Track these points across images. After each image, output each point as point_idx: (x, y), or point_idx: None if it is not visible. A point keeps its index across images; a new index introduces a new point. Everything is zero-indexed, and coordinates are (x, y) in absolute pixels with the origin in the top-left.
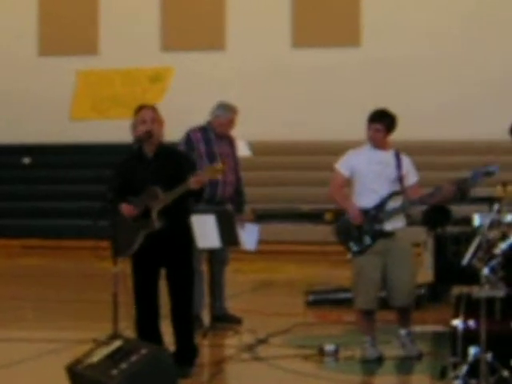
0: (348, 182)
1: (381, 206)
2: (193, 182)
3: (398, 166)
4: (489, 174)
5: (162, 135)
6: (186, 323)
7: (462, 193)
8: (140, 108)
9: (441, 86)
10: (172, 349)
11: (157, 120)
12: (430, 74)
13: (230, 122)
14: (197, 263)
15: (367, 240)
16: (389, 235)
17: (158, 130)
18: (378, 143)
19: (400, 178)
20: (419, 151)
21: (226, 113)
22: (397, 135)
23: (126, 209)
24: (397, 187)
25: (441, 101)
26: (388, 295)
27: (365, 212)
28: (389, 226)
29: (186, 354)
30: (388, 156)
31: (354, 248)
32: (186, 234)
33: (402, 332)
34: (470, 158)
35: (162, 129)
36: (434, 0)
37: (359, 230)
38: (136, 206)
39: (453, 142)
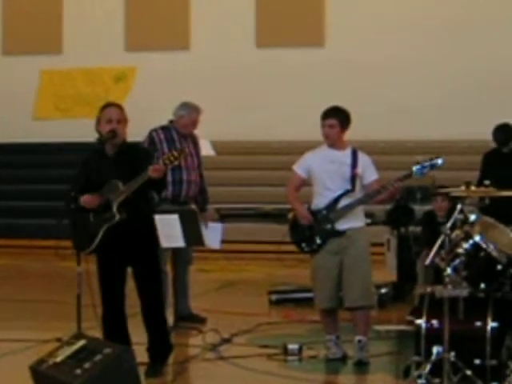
0: (305, 183)
1: (331, 205)
2: (151, 170)
3: (353, 164)
4: (433, 166)
5: (125, 134)
6: (158, 320)
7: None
8: (106, 106)
9: (406, 86)
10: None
11: (122, 119)
12: (394, 73)
13: (194, 122)
14: (161, 263)
15: (318, 240)
16: (339, 234)
17: (123, 129)
18: (334, 140)
19: (353, 177)
20: (383, 151)
21: (190, 113)
22: (361, 135)
23: (86, 199)
24: (351, 185)
25: (405, 101)
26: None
27: (316, 212)
28: (344, 225)
29: (160, 351)
30: (344, 155)
31: (306, 248)
32: (149, 229)
33: (358, 338)
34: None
35: (126, 128)
36: (399, 0)
37: (310, 231)
38: (97, 199)
39: (417, 141)
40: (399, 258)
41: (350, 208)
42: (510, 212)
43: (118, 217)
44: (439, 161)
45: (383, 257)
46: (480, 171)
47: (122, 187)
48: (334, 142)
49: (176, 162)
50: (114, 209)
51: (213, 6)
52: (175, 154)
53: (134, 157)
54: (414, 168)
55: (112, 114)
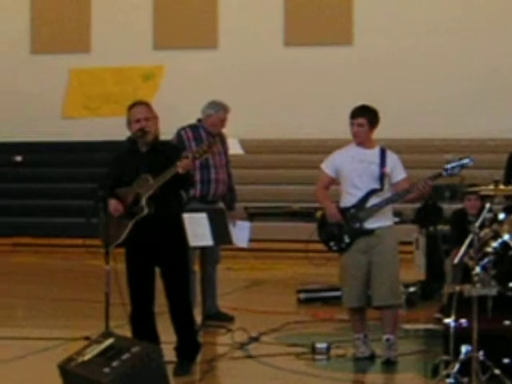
0: (334, 182)
1: (360, 204)
2: (179, 165)
3: (382, 163)
4: (463, 166)
5: (158, 130)
6: (186, 320)
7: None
8: (133, 105)
9: (434, 83)
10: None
11: (150, 117)
12: (423, 71)
13: (222, 121)
14: (189, 262)
15: (346, 239)
16: (368, 233)
17: (153, 126)
18: (363, 139)
19: (382, 176)
20: (411, 149)
21: (218, 111)
22: (389, 133)
23: (113, 206)
24: (380, 184)
25: (434, 99)
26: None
27: (345, 211)
28: (373, 224)
29: (188, 350)
30: (372, 153)
31: (334, 247)
32: (178, 228)
33: (386, 337)
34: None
35: (157, 124)
36: None
37: (339, 229)
38: (126, 195)
39: (445, 139)
40: (428, 256)
41: (379, 207)
42: None
43: (146, 210)
44: (469, 160)
45: (412, 256)
46: (504, 170)
47: (151, 181)
48: (363, 141)
49: (206, 155)
50: (143, 202)
51: (241, 5)
52: (204, 147)
53: (165, 154)
54: (444, 168)
55: (139, 113)
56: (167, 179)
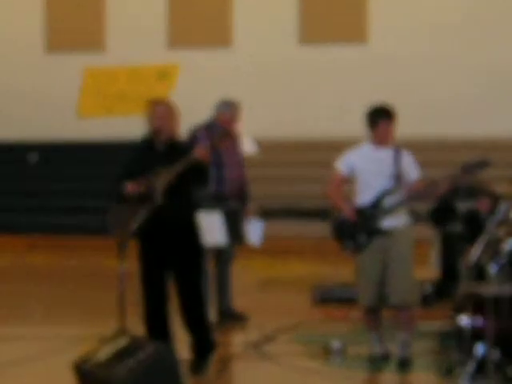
0: (347, 181)
1: (376, 203)
2: (196, 152)
3: (396, 162)
4: (482, 165)
5: (174, 130)
6: (199, 320)
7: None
8: (152, 103)
9: (449, 81)
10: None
11: (169, 116)
12: (437, 69)
13: (233, 118)
14: (202, 261)
15: (362, 238)
16: (384, 233)
17: (170, 125)
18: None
19: (397, 175)
20: (426, 148)
21: (230, 109)
22: (403, 132)
23: (129, 186)
24: (395, 184)
25: (449, 97)
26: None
27: (361, 210)
28: (388, 223)
29: (202, 348)
30: (387, 153)
31: (350, 246)
32: (190, 229)
33: (402, 335)
34: (476, 155)
35: (175, 123)
36: None
37: (355, 229)
38: (141, 184)
39: (461, 138)
40: (443, 255)
41: (395, 207)
42: None
43: (160, 198)
44: (487, 161)
45: (426, 254)
46: None
47: (165, 172)
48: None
49: (223, 143)
50: (157, 191)
51: (255, 3)
52: (220, 134)
53: (182, 152)
54: (461, 168)
55: (156, 112)
56: (183, 167)
